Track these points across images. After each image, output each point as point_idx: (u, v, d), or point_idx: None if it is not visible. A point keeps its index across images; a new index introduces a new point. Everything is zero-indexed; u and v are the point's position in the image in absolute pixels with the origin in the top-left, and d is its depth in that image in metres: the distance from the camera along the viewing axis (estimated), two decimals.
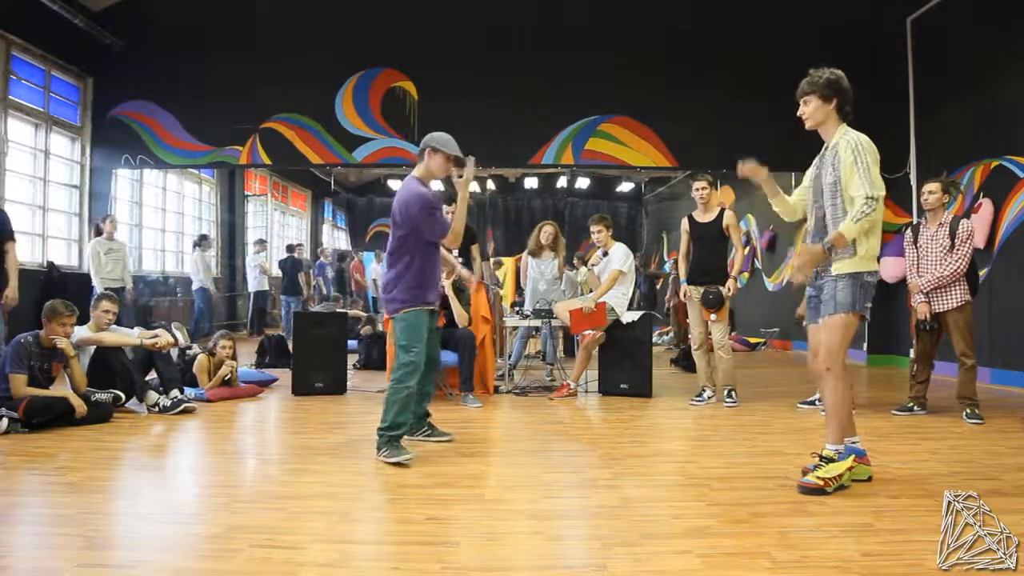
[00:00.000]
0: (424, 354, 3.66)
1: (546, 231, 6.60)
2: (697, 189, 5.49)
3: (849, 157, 2.95)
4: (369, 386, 6.08)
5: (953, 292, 4.71)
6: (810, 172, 3.27)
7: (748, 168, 3.26)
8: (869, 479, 3.09)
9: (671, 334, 10.86)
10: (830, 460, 3.03)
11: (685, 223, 5.62)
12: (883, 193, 2.93)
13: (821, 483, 2.92)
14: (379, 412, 3.60)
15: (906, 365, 7.66)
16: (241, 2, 8.78)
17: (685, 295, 5.58)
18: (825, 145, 3.17)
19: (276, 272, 12.03)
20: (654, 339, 7.08)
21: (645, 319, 5.76)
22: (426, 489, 3.07)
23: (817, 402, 5.15)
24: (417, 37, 8.59)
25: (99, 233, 7.60)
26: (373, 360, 7.37)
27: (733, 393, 5.35)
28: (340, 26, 8.59)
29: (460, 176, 3.75)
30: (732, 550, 2.33)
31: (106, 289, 6.84)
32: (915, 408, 4.99)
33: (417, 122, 8.52)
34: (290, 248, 12.07)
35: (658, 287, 13.27)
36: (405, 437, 3.64)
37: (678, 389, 6.19)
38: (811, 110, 3.10)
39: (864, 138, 2.99)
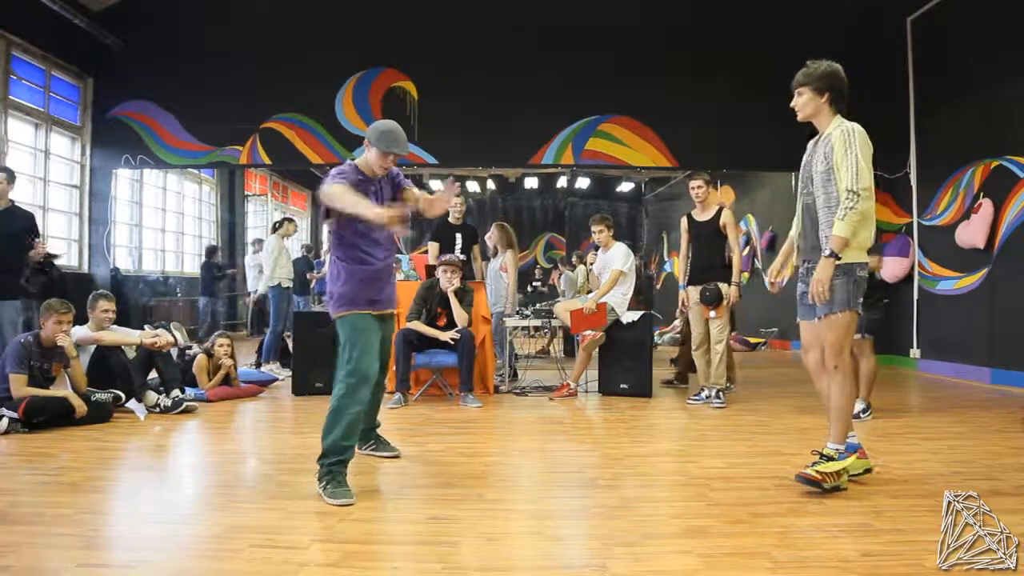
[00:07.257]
0: (375, 364, 3.18)
1: (489, 233, 6.72)
2: (693, 188, 5.47)
3: (841, 147, 2.93)
4: None
5: None
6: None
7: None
8: (868, 471, 3.10)
9: (670, 335, 10.86)
10: (830, 459, 3.03)
11: (684, 222, 5.59)
12: (867, 185, 2.89)
13: (820, 477, 2.91)
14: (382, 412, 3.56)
15: (907, 364, 7.68)
16: (241, 2, 8.77)
17: (684, 304, 5.58)
18: (819, 135, 3.14)
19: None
20: (655, 339, 7.07)
21: (645, 319, 5.76)
22: (426, 489, 3.07)
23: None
24: (417, 37, 8.59)
25: (275, 230, 7.61)
26: None
27: (721, 394, 5.20)
28: (340, 26, 8.59)
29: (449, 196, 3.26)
30: (732, 550, 2.33)
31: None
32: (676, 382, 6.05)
33: (417, 122, 8.50)
34: (307, 248, 12.11)
35: (657, 287, 13.27)
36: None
37: (678, 389, 6.19)
38: (803, 102, 3.07)
39: (858, 128, 2.96)
